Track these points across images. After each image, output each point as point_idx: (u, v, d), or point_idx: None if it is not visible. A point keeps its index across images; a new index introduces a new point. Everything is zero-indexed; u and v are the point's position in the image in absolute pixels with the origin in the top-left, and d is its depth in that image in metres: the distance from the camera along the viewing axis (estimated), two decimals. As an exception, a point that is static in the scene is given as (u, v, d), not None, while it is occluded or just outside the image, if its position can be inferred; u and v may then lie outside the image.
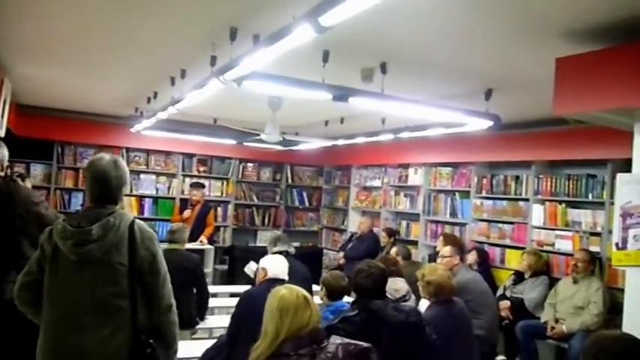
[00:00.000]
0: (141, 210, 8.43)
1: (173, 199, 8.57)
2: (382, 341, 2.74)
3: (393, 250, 5.90)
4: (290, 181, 9.66)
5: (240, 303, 3.63)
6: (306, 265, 4.94)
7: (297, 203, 9.75)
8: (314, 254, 9.07)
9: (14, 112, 6.70)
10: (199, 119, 7.36)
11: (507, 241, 6.29)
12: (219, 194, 8.99)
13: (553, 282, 5.52)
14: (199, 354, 3.78)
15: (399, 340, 2.92)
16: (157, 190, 8.60)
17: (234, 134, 7.20)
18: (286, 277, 3.74)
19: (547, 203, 5.84)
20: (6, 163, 3.36)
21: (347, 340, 2.17)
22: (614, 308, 4.78)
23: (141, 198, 8.47)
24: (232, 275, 8.20)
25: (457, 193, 7.06)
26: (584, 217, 5.48)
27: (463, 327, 3.76)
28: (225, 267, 8.61)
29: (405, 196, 7.97)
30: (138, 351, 2.32)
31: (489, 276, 6.04)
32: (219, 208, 8.90)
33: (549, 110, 3.28)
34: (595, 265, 5.18)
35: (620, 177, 3.08)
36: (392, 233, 7.46)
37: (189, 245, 6.60)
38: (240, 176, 9.19)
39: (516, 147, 6.10)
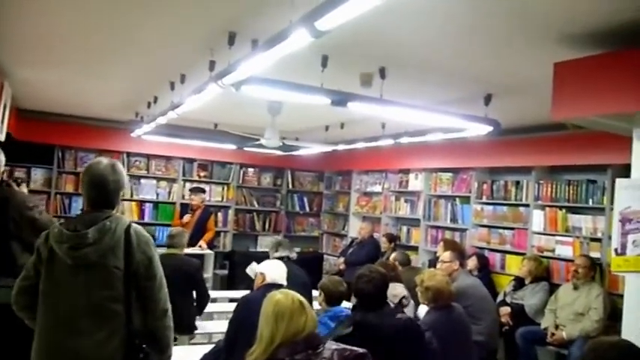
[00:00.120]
0: (141, 215, 8.43)
1: (174, 204, 8.56)
2: (379, 351, 2.74)
3: (392, 256, 5.89)
4: (291, 186, 9.65)
5: (238, 308, 3.61)
6: (307, 270, 4.92)
7: (297, 208, 9.74)
8: (314, 260, 9.06)
9: (15, 117, 6.71)
10: (200, 124, 7.37)
11: (508, 247, 6.27)
12: (220, 199, 8.99)
13: (553, 288, 5.50)
14: (197, 359, 3.77)
15: (397, 352, 2.90)
16: (158, 195, 8.59)
17: (234, 139, 7.20)
18: (284, 283, 3.72)
19: (547, 209, 5.82)
20: (2, 169, 3.37)
21: (342, 346, 2.16)
22: (614, 314, 4.75)
23: (141, 203, 8.47)
24: (232, 280, 8.17)
25: (457, 199, 7.05)
26: (584, 222, 5.47)
27: (462, 332, 3.75)
28: (226, 272, 8.59)
29: (406, 201, 7.97)
30: (132, 355, 2.31)
31: (490, 282, 6.02)
32: (219, 213, 8.89)
33: (549, 115, 3.26)
34: (595, 271, 5.16)
35: (619, 182, 3.07)
36: (392, 239, 7.45)
37: (188, 250, 6.59)
38: (240, 181, 9.18)
39: (516, 152, 6.09)
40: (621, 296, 4.46)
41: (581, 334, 4.83)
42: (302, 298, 2.18)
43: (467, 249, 6.54)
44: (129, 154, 8.37)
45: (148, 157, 8.52)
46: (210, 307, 5.33)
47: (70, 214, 7.86)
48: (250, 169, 9.27)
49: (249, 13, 3.02)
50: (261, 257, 4.66)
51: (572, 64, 3.04)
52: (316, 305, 3.79)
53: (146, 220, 8.38)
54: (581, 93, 3.00)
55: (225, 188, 9.05)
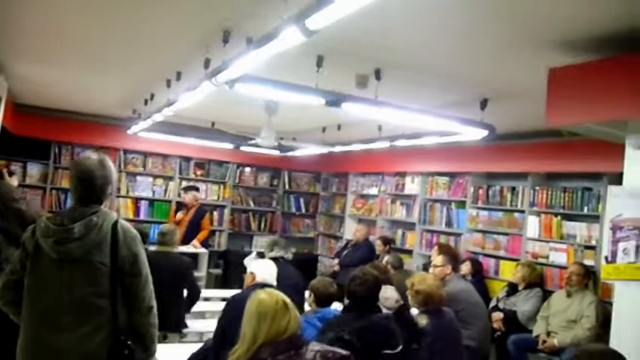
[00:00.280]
0: (137, 212, 8.41)
1: (170, 202, 8.55)
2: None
3: (385, 259, 5.87)
4: (287, 186, 9.64)
5: (227, 307, 3.60)
6: (301, 271, 4.91)
7: (293, 209, 9.73)
8: (309, 261, 9.06)
9: (12, 111, 6.70)
10: (197, 122, 7.36)
11: (502, 253, 6.25)
12: (216, 198, 8.97)
13: (547, 294, 5.47)
14: (185, 358, 3.75)
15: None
16: (154, 192, 8.58)
17: (231, 138, 7.19)
18: (274, 283, 3.71)
19: (542, 215, 5.81)
20: None
21: (325, 347, 2.14)
22: (607, 322, 4.68)
23: (137, 200, 8.45)
24: (226, 280, 8.16)
25: (453, 203, 7.04)
26: (579, 230, 5.45)
27: (452, 337, 3.73)
28: (220, 271, 8.58)
29: (402, 204, 7.95)
30: (116, 351, 2.31)
31: (483, 287, 6.01)
32: (215, 212, 8.87)
33: (545, 121, 3.25)
34: (589, 278, 5.14)
35: (611, 190, 3.05)
36: (387, 242, 7.44)
37: (182, 248, 6.60)
38: (237, 181, 9.17)
39: (513, 158, 6.08)
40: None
41: (573, 342, 4.79)
42: (286, 299, 2.17)
43: (461, 254, 6.52)
44: (126, 151, 8.36)
45: (145, 154, 8.50)
46: (202, 306, 5.32)
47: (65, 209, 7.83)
48: (247, 169, 9.25)
49: (243, 11, 3.01)
50: (256, 257, 4.67)
51: (567, 70, 3.02)
52: (307, 306, 3.78)
53: (141, 217, 8.37)
54: (576, 99, 2.98)
55: (222, 187, 9.04)
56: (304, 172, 9.75)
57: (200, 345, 3.93)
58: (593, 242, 5.27)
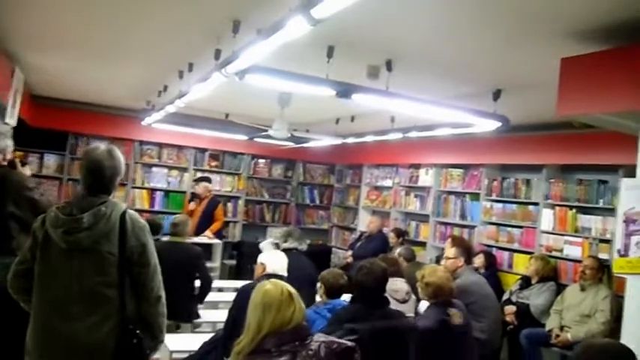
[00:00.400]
0: (152, 203, 8.49)
1: (184, 193, 8.61)
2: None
3: (397, 251, 5.85)
4: (302, 178, 9.65)
5: (237, 298, 3.63)
6: (315, 263, 4.89)
7: (307, 201, 9.73)
8: (323, 252, 9.05)
9: (28, 103, 6.78)
10: (211, 114, 7.39)
11: (516, 245, 6.20)
12: (230, 189, 9.01)
13: (560, 288, 5.42)
14: (197, 347, 3.79)
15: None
16: (169, 183, 8.65)
17: (244, 129, 7.20)
18: (285, 274, 3.72)
19: (557, 208, 5.74)
20: (9, 156, 3.40)
21: (330, 338, 2.14)
22: (622, 317, 4.67)
23: (152, 191, 8.52)
24: (240, 271, 8.20)
25: (467, 195, 6.99)
26: (594, 223, 5.37)
27: (461, 330, 3.71)
28: (234, 262, 8.62)
29: (416, 196, 7.92)
30: (125, 340, 2.33)
31: (496, 280, 5.96)
32: (229, 204, 8.91)
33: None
34: (604, 272, 5.07)
35: (624, 182, 3.00)
36: (400, 234, 7.41)
37: (195, 239, 6.64)
38: (251, 172, 9.19)
39: (527, 150, 6.01)
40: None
41: (587, 336, 4.73)
42: (291, 289, 2.17)
43: (475, 246, 6.47)
44: (141, 143, 8.43)
45: (160, 145, 8.57)
46: (215, 297, 5.36)
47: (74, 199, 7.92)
48: (261, 160, 9.27)
49: (253, 0, 3.00)
50: (270, 248, 4.67)
51: (579, 60, 2.97)
52: (317, 298, 3.79)
53: (156, 208, 8.45)
54: (586, 89, 2.92)
55: (236, 178, 9.07)
56: (318, 163, 9.74)
57: (212, 335, 3.97)
58: (608, 236, 5.19)
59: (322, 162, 9.71)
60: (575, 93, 2.98)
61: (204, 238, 7.15)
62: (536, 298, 5.42)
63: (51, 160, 7.99)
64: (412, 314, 4.05)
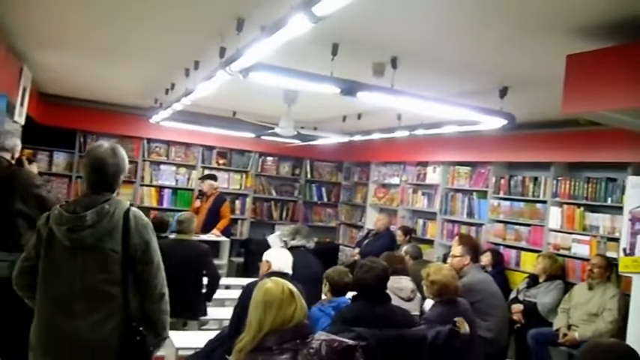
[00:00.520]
0: (160, 201, 8.53)
1: (192, 190, 8.64)
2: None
3: (404, 249, 5.84)
4: (309, 176, 9.65)
5: (242, 295, 3.63)
6: (322, 261, 4.86)
7: (315, 198, 9.74)
8: (330, 250, 9.05)
9: (37, 101, 6.83)
10: (218, 112, 7.41)
11: (523, 244, 6.16)
12: (238, 187, 9.03)
13: (568, 287, 5.38)
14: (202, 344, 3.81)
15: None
16: (177, 181, 8.69)
17: (252, 128, 7.21)
18: (290, 272, 3.72)
19: (565, 206, 5.70)
20: (17, 154, 3.43)
21: (331, 337, 2.14)
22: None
23: (160, 189, 8.57)
24: (247, 268, 8.22)
25: (475, 193, 6.96)
26: (602, 221, 5.33)
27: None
28: (242, 259, 8.64)
29: (423, 194, 7.90)
30: (128, 337, 2.34)
31: (504, 278, 5.94)
32: (237, 201, 8.95)
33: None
34: (612, 271, 5.03)
35: (630, 180, 2.98)
36: (408, 231, 7.39)
37: (203, 237, 6.66)
38: (259, 170, 9.21)
39: (535, 148, 5.97)
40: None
41: (594, 335, 4.70)
42: (293, 287, 2.17)
43: (482, 244, 6.45)
44: (149, 140, 8.47)
45: (168, 143, 8.61)
46: (222, 294, 5.37)
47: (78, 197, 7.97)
48: (269, 158, 9.29)
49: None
50: (277, 246, 4.66)
51: (585, 57, 2.94)
52: (323, 296, 3.79)
53: (165, 205, 8.50)
54: (591, 86, 2.90)
55: (244, 176, 9.09)
56: (326, 161, 9.74)
57: (218, 332, 3.98)
58: (617, 234, 5.13)
59: (330, 160, 9.71)
60: (580, 90, 2.95)
61: (211, 236, 7.16)
62: (543, 296, 5.39)
63: (60, 158, 8.06)
64: (417, 312, 4.04)
